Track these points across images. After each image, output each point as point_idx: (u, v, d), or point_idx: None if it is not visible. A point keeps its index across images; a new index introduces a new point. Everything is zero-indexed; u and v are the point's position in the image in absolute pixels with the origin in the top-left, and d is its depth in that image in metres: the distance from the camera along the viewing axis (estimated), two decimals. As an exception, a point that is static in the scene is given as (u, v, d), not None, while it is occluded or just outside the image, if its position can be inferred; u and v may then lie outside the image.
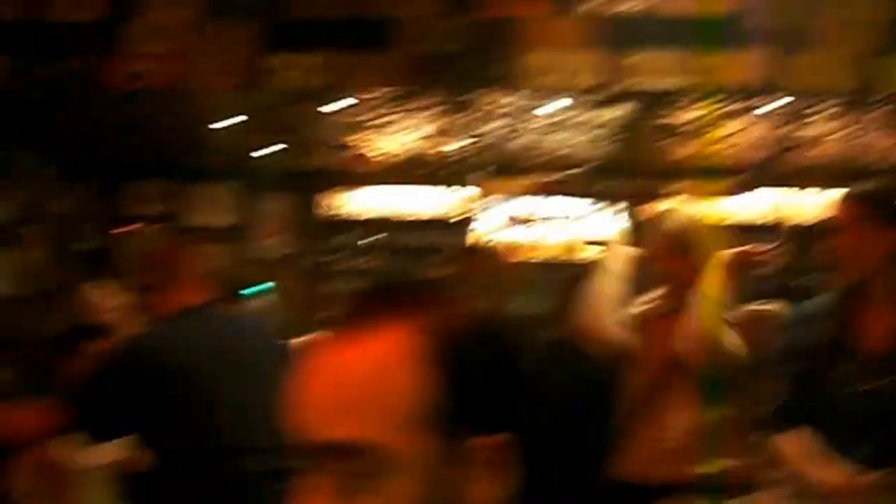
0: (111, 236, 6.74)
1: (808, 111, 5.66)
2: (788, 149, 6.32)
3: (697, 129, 5.81)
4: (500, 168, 7.10)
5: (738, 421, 3.24)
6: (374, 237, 7.60)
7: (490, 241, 6.62)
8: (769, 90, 5.08)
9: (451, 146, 6.74)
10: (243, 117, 6.07)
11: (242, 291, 5.22)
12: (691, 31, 4.64)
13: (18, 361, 4.38)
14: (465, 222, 7.22)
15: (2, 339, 5.31)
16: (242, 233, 7.37)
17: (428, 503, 1.05)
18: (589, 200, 7.11)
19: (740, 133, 6.01)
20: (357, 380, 1.05)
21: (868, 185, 2.70)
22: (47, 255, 6.67)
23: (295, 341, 3.03)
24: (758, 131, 6.03)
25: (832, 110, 5.66)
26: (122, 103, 5.40)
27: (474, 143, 6.63)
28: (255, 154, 6.82)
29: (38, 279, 6.51)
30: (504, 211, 7.31)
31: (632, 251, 3.58)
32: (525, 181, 7.17)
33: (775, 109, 5.53)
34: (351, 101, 5.78)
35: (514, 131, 6.35)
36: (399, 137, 6.67)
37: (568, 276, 4.41)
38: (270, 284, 6.04)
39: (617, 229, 3.90)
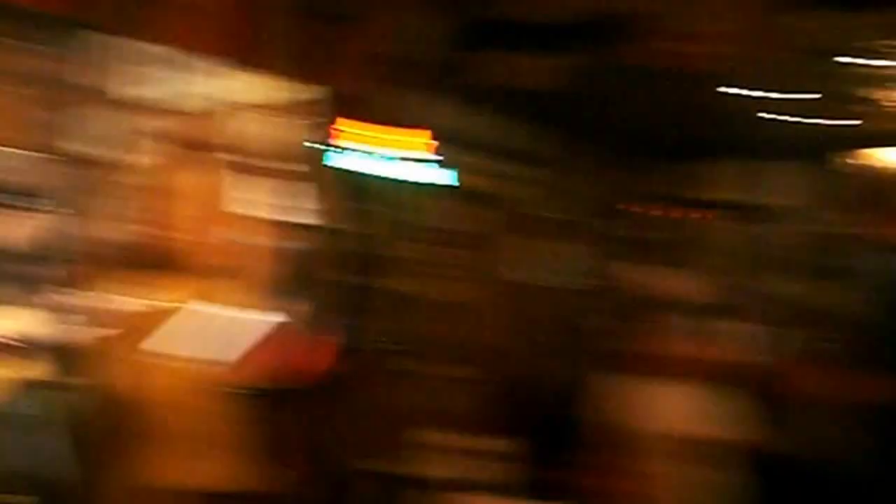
0: (661, 220, 6.89)
1: None
2: None
3: None
4: None
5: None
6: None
7: None
8: None
9: None
10: (772, 87, 5.99)
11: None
12: None
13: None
14: None
15: (565, 328, 5.73)
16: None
17: None
18: None
19: None
20: None
21: None
22: (596, 241, 6.95)
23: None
24: None
25: None
26: (654, 85, 5.58)
27: None
28: (779, 121, 6.64)
29: (591, 267, 6.75)
30: None
31: None
32: None
33: None
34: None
35: None
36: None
37: None
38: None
39: None
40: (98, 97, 5.63)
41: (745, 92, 6.12)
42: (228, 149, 5.09)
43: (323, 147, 4.50)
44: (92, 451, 3.50)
